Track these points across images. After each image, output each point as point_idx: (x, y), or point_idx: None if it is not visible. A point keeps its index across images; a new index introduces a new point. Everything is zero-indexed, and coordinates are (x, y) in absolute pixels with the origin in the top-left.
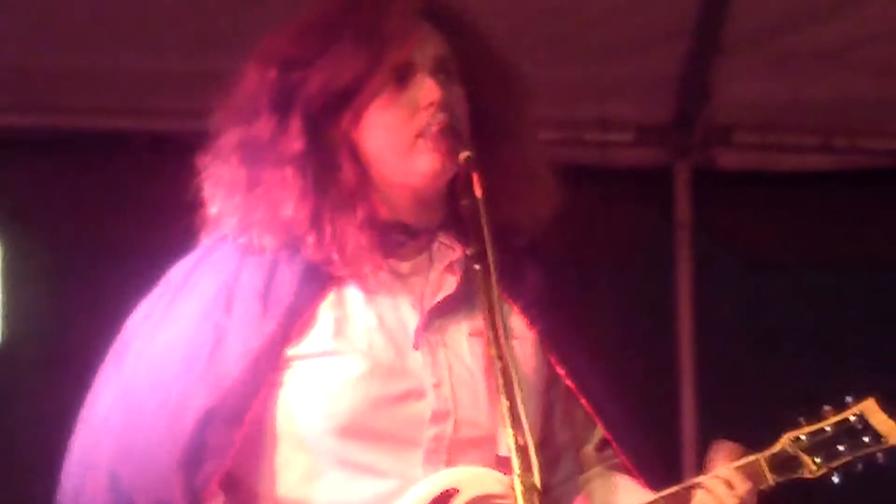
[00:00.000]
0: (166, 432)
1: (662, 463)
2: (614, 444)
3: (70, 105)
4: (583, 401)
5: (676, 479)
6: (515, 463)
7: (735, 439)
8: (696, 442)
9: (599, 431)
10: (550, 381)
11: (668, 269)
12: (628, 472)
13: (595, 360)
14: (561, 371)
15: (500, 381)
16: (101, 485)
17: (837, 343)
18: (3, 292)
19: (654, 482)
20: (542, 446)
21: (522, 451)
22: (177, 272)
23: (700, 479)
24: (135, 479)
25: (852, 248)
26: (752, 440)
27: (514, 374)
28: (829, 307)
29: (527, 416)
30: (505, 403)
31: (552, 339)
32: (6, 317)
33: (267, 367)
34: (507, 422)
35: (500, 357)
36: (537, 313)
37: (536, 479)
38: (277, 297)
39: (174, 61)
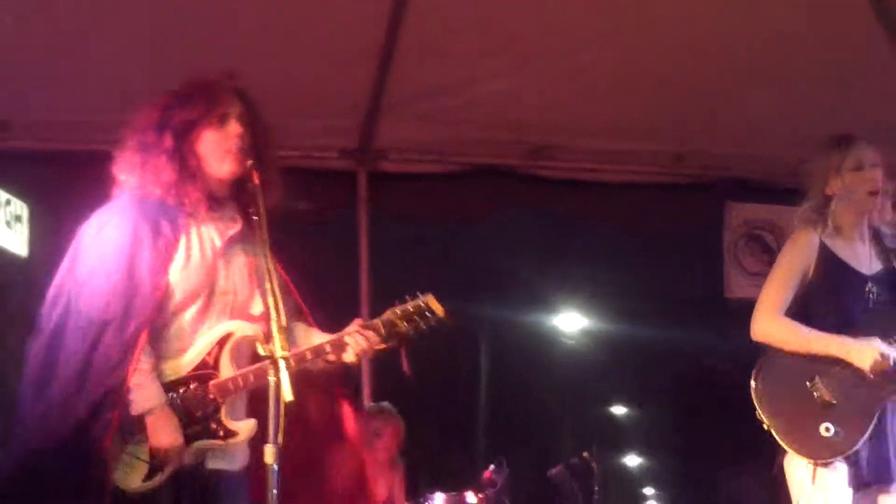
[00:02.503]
0: (112, 316)
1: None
2: (308, 315)
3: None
4: (294, 293)
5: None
6: (273, 315)
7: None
8: None
9: (300, 307)
10: (284, 282)
11: (355, 230)
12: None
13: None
14: (286, 278)
15: (265, 276)
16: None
17: (461, 275)
18: None
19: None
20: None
21: (276, 309)
22: (100, 220)
23: (346, 332)
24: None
25: (461, 215)
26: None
27: (271, 274)
28: (451, 252)
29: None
30: (267, 287)
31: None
32: None
33: (161, 275)
34: (269, 295)
35: (266, 264)
36: (278, 249)
37: (283, 322)
38: (164, 236)
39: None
